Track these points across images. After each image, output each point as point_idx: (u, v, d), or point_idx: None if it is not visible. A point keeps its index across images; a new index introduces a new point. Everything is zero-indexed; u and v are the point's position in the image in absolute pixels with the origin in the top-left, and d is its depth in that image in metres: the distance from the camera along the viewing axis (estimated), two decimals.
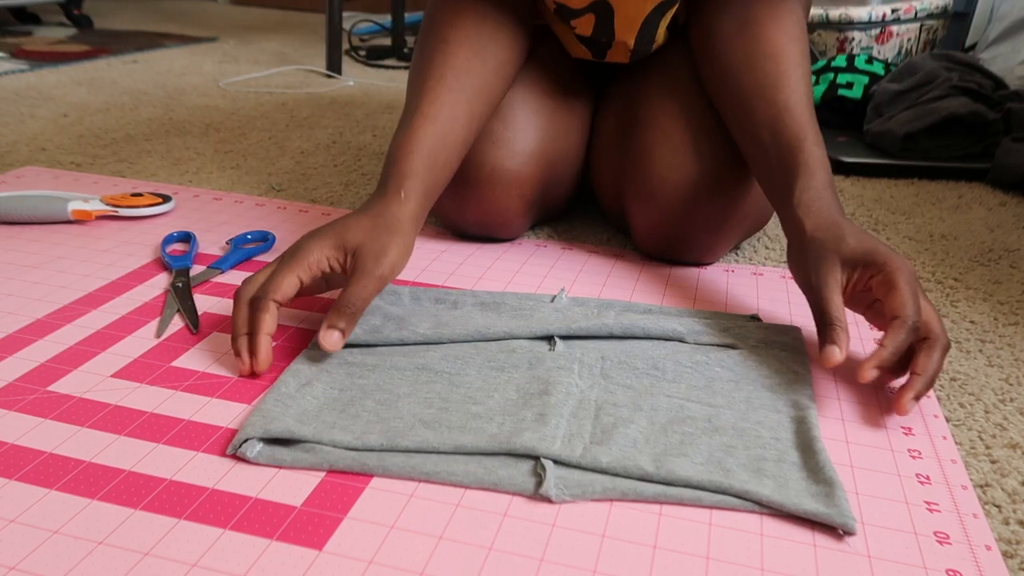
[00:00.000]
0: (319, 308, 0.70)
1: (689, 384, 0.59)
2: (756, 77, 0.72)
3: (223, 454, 0.50)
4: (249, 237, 0.83)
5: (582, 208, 1.00)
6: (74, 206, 0.85)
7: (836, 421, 0.57)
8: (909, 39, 1.75)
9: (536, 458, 0.50)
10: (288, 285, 0.59)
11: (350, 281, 0.59)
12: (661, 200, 0.78)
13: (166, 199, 0.91)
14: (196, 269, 0.77)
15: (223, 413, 0.55)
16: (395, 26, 2.09)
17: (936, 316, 0.59)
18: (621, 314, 0.69)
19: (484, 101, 0.76)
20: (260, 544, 0.43)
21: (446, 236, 0.89)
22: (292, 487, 0.48)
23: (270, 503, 0.47)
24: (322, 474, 0.49)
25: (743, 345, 0.65)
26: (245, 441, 0.50)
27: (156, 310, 0.69)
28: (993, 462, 0.55)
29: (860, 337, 0.70)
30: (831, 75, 1.46)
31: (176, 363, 0.60)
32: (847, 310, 0.61)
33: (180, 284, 0.72)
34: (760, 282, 0.80)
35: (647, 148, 0.80)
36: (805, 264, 0.62)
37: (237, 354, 0.58)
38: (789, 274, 0.82)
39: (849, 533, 0.46)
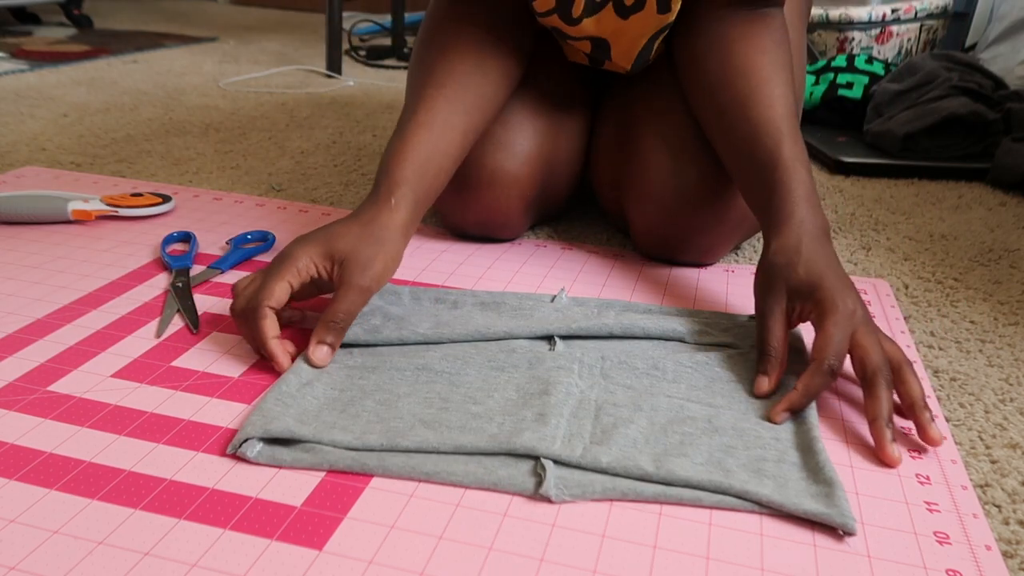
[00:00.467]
0: (320, 308, 0.70)
1: (689, 384, 0.59)
2: (729, 96, 0.72)
3: (223, 454, 0.50)
4: (249, 237, 0.83)
5: (582, 208, 1.00)
6: (74, 206, 0.85)
7: (836, 421, 0.57)
8: (909, 39, 1.75)
9: (536, 458, 0.50)
10: (280, 291, 0.60)
11: (337, 294, 0.60)
12: (660, 203, 0.78)
13: (166, 199, 0.91)
14: (196, 269, 0.77)
15: (223, 413, 0.55)
16: (395, 26, 2.09)
17: (879, 351, 0.56)
18: (621, 314, 0.69)
19: (482, 113, 0.75)
20: (260, 544, 0.43)
21: (446, 236, 0.89)
22: (292, 487, 0.48)
23: (270, 503, 0.47)
24: (322, 474, 0.49)
25: (743, 345, 0.65)
26: (245, 441, 0.50)
27: (156, 310, 0.69)
28: (993, 462, 0.55)
29: None
30: (831, 75, 1.46)
31: (176, 363, 0.60)
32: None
33: (180, 284, 0.72)
34: None
35: (646, 151, 0.80)
36: (759, 287, 0.63)
37: (271, 362, 0.60)
38: None
39: (849, 533, 0.46)
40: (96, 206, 0.86)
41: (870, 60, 1.48)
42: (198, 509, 0.46)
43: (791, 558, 0.44)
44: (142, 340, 0.64)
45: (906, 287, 0.83)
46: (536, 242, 0.89)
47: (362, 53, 2.08)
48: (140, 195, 0.91)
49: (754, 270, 0.83)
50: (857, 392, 0.61)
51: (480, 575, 0.42)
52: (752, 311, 0.73)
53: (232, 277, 0.76)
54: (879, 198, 1.12)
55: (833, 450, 0.54)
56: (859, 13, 1.70)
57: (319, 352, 0.59)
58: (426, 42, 0.79)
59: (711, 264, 0.84)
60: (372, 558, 0.43)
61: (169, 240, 0.82)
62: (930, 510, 0.49)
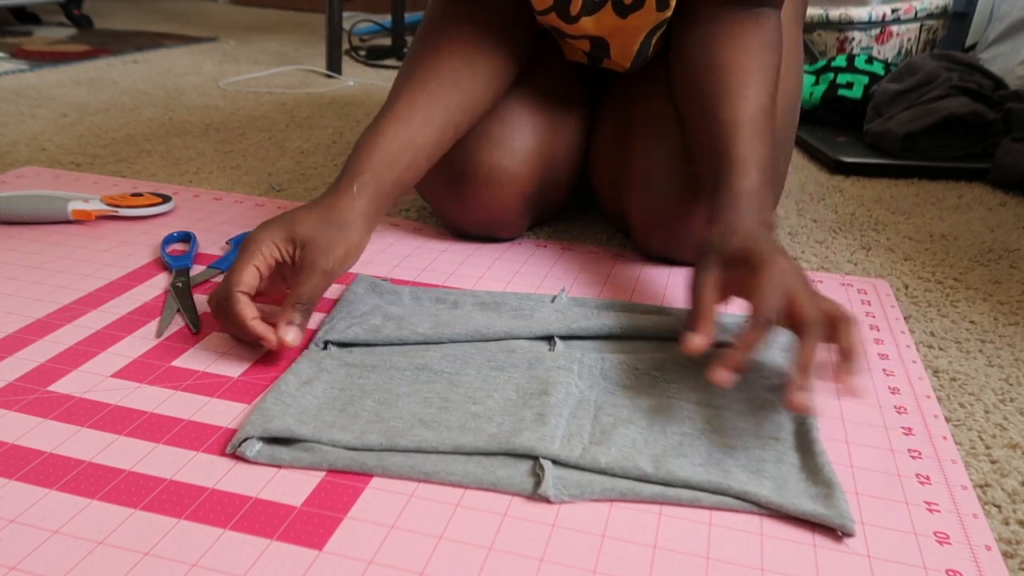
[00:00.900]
0: (321, 308, 0.70)
1: (689, 384, 0.59)
2: (703, 92, 0.72)
3: (223, 454, 0.50)
4: None
5: (582, 208, 1.00)
6: (74, 206, 0.85)
7: (836, 421, 0.57)
8: (909, 39, 1.75)
9: (535, 458, 0.50)
10: (249, 275, 0.60)
11: (299, 277, 0.61)
12: (660, 202, 0.78)
13: (166, 199, 0.91)
14: (196, 269, 0.77)
15: (223, 413, 0.55)
16: (395, 26, 2.09)
17: (813, 306, 0.54)
18: (621, 314, 0.69)
19: (466, 110, 0.75)
20: (260, 544, 0.43)
21: (446, 236, 0.89)
22: (292, 487, 0.48)
23: (270, 503, 0.47)
24: (322, 474, 0.49)
25: None
26: (245, 440, 0.50)
27: (156, 310, 0.69)
28: (993, 462, 0.55)
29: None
30: (831, 75, 1.46)
31: (176, 363, 0.60)
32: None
33: (180, 284, 0.72)
34: None
35: (646, 150, 0.80)
36: (696, 266, 0.61)
37: (260, 341, 0.59)
38: None
39: (848, 534, 0.46)
40: (96, 206, 0.86)
41: (870, 60, 1.48)
42: (198, 509, 0.46)
43: (791, 558, 0.44)
44: (142, 340, 0.64)
45: (906, 287, 0.83)
46: (536, 242, 0.89)
47: (362, 53, 2.08)
48: (140, 195, 0.91)
49: None
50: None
51: (480, 575, 0.42)
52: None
53: None
54: (879, 198, 1.12)
55: (833, 450, 0.54)
56: (859, 13, 1.70)
57: (289, 332, 0.59)
58: (421, 41, 0.80)
59: None
60: (372, 558, 0.43)
61: (169, 240, 0.82)
62: (930, 510, 0.49)
